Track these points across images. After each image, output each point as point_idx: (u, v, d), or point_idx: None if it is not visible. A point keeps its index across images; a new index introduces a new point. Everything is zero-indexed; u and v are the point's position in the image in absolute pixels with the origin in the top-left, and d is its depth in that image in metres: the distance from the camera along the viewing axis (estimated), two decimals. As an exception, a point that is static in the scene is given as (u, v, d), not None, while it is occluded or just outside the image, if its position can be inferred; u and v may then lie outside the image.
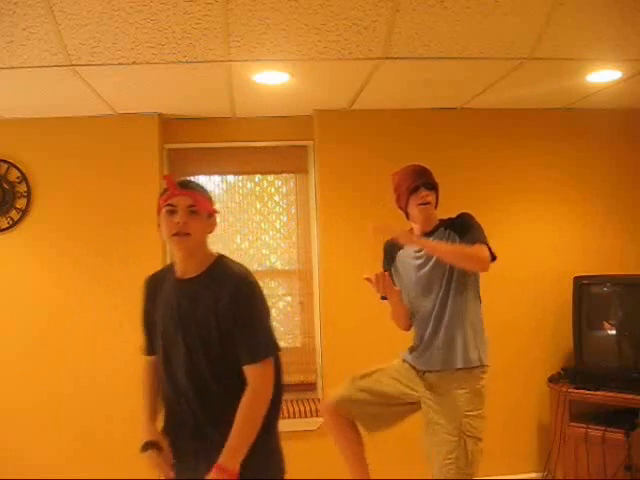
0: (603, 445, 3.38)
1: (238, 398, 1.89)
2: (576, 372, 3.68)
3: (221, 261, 2.01)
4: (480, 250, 2.44)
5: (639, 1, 2.43)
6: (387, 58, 2.90)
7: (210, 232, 2.02)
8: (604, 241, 4.01)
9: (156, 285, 2.08)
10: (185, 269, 1.99)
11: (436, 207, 2.65)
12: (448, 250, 2.49)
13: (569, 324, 3.72)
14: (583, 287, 3.68)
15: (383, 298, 2.71)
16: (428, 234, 2.62)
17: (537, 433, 3.96)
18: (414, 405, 2.63)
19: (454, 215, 2.66)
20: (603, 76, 3.31)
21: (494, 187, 3.97)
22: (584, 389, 3.56)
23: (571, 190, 4.03)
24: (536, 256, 3.98)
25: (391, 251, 2.73)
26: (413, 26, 2.57)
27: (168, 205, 1.93)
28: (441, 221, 2.65)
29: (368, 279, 2.51)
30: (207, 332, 1.92)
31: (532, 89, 3.54)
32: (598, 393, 3.50)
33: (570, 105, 3.93)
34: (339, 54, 2.82)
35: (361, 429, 2.74)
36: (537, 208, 4.02)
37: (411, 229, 2.71)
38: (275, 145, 4.02)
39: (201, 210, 1.95)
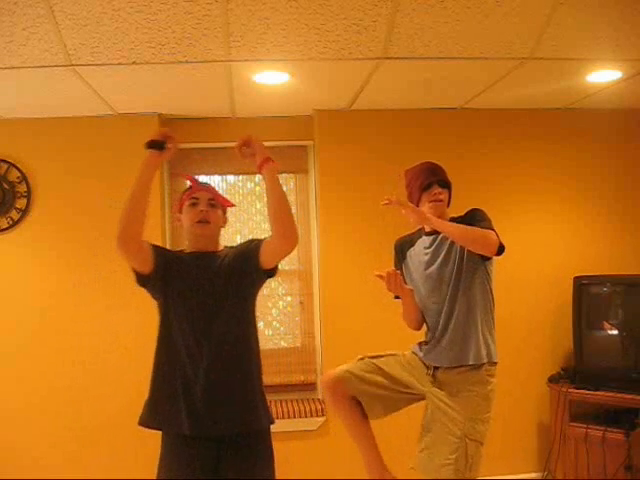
0: (603, 445, 3.38)
1: (250, 351, 2.16)
2: (576, 372, 3.68)
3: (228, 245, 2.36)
4: (488, 233, 2.44)
5: (639, 1, 2.43)
6: (387, 58, 2.90)
7: (223, 226, 2.33)
8: (604, 241, 4.01)
9: (174, 257, 2.24)
10: (204, 248, 2.24)
11: (448, 205, 2.64)
12: (457, 229, 2.46)
13: (569, 324, 3.72)
14: (583, 287, 3.69)
15: (396, 297, 2.71)
16: (438, 232, 2.61)
17: (537, 433, 3.96)
18: (417, 397, 2.60)
19: (459, 213, 2.64)
20: (603, 76, 3.31)
21: (494, 187, 3.96)
22: (584, 389, 3.56)
23: (571, 190, 4.03)
24: (536, 256, 3.98)
25: (402, 249, 2.73)
26: (413, 26, 2.57)
27: (192, 198, 2.24)
28: (452, 219, 2.63)
29: (380, 276, 2.48)
30: (235, 276, 2.17)
31: (532, 89, 3.55)
32: (598, 393, 3.50)
33: (570, 105, 3.93)
34: (339, 54, 2.82)
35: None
36: (537, 208, 4.02)
37: (422, 227, 2.70)
38: (275, 145, 4.00)
39: (218, 203, 2.28)
